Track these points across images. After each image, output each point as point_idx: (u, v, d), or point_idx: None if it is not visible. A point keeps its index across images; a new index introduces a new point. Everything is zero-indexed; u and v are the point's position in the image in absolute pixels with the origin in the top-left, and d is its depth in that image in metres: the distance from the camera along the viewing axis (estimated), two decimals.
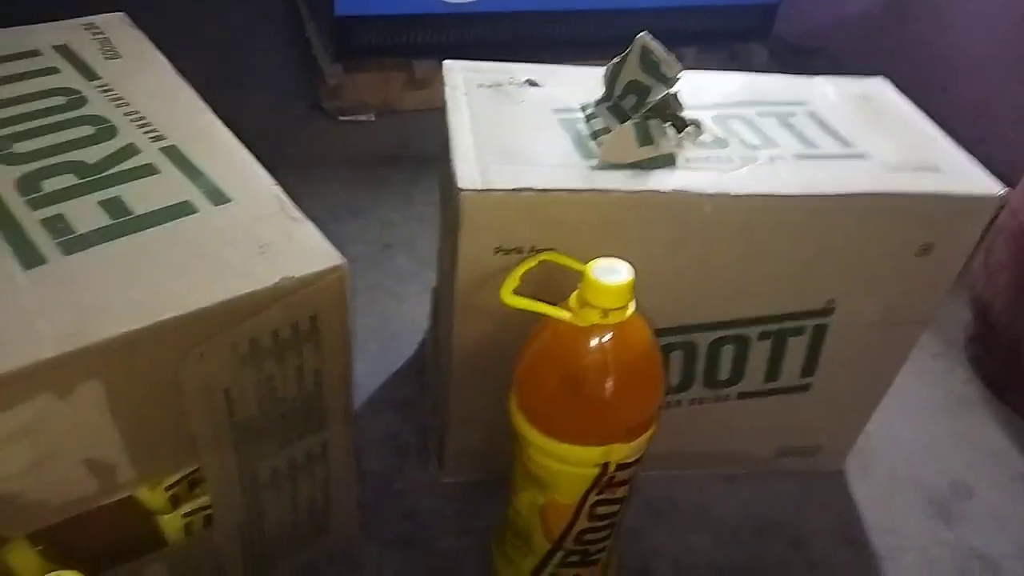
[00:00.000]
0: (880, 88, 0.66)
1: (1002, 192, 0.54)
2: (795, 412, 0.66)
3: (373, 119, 1.12)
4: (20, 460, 0.39)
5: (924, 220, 0.55)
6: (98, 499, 0.43)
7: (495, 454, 0.63)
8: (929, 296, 0.59)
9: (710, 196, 0.50)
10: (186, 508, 0.49)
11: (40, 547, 0.46)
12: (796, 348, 0.61)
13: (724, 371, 0.61)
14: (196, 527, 0.50)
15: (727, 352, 0.60)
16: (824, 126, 0.60)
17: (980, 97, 1.11)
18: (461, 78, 0.59)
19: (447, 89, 0.58)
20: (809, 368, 0.63)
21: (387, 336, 0.80)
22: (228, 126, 0.54)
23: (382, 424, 0.72)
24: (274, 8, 1.33)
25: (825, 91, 0.65)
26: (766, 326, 0.59)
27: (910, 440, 0.77)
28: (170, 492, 0.47)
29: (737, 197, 0.51)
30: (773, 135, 0.57)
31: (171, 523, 0.49)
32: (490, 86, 0.58)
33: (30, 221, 0.44)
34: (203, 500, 0.50)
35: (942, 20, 1.16)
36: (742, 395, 0.63)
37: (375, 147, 1.07)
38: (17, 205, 0.45)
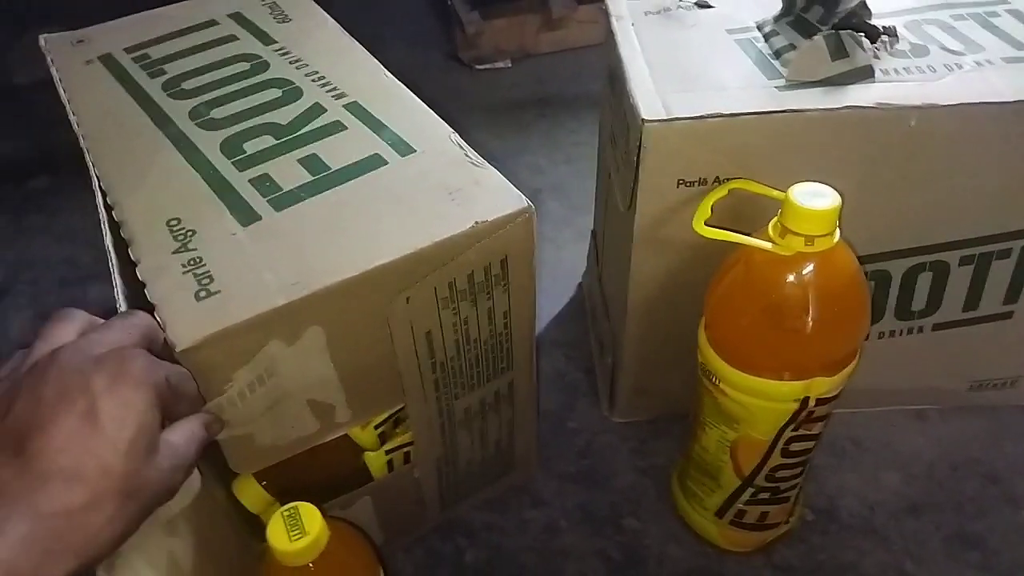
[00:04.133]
0: None
1: None
2: (994, 342, 0.61)
3: (510, 65, 1.11)
4: (258, 404, 0.42)
5: None
6: (319, 437, 0.46)
7: (667, 393, 0.63)
8: None
9: (916, 108, 0.47)
10: (389, 446, 0.52)
11: (264, 482, 0.50)
12: (1000, 273, 0.56)
13: (919, 301, 0.58)
14: (397, 463, 0.53)
15: (924, 280, 0.56)
16: None
17: None
18: (626, 6, 0.57)
19: (613, 20, 0.56)
20: (1014, 294, 0.58)
21: (547, 280, 0.80)
22: None
23: (550, 365, 0.73)
24: None
25: None
26: (969, 249, 0.55)
27: None
28: (379, 430, 0.50)
29: (946, 107, 0.47)
30: (976, 38, 0.52)
31: (376, 460, 0.52)
32: (657, 12, 0.56)
33: (240, 181, 0.46)
34: (404, 438, 0.52)
35: None
36: (937, 326, 0.59)
37: (515, 93, 1.07)
38: (226, 167, 0.48)
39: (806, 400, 0.47)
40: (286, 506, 0.42)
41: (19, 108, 1.09)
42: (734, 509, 0.55)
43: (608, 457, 0.66)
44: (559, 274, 0.82)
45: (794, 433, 0.49)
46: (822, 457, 0.64)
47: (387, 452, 0.53)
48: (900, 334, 0.60)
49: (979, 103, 0.47)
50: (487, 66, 1.11)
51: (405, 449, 0.53)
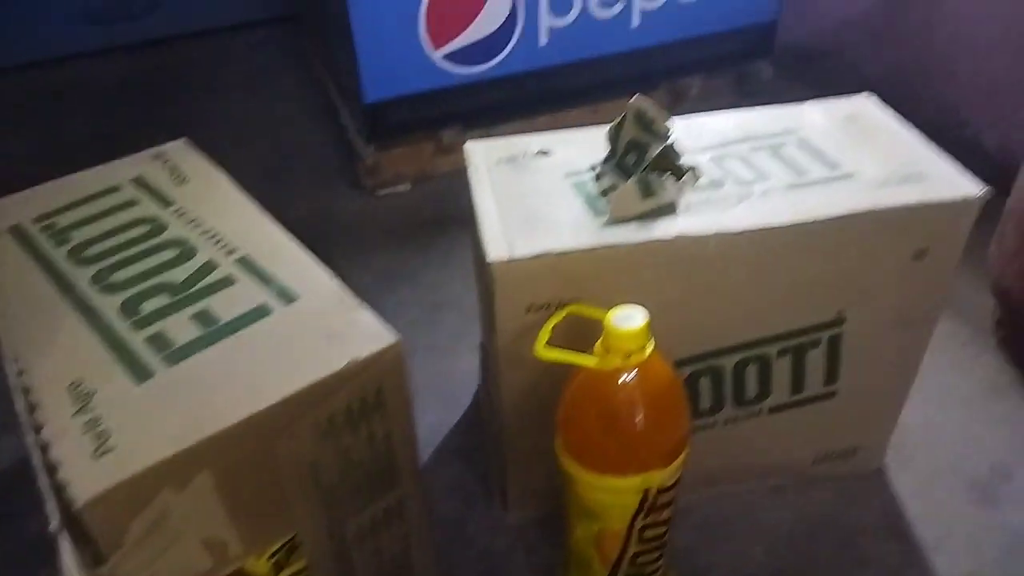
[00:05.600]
0: (865, 106, 0.71)
1: (982, 193, 0.59)
2: (826, 418, 0.70)
3: (409, 188, 1.21)
4: (155, 549, 0.46)
5: (914, 228, 0.60)
6: (214, 573, 0.51)
7: (555, 491, 0.69)
8: (931, 296, 0.63)
9: (711, 236, 0.56)
10: (286, 573, 0.57)
11: None
12: (815, 359, 0.66)
13: (751, 389, 0.66)
14: None
15: (751, 371, 0.65)
16: (813, 152, 0.65)
17: (989, 80, 1.11)
18: (482, 156, 0.66)
19: (470, 168, 0.65)
20: (831, 376, 0.67)
21: (445, 391, 0.87)
22: (280, 212, 0.62)
23: (449, 473, 0.79)
24: (311, 101, 1.44)
25: (813, 117, 0.70)
26: (784, 343, 0.64)
27: (947, 429, 0.80)
28: (273, 560, 0.55)
29: (736, 234, 0.57)
30: (766, 168, 0.63)
31: None
32: (507, 160, 0.65)
33: (136, 341, 0.52)
34: (300, 564, 0.57)
35: (946, 4, 1.15)
36: (772, 409, 0.68)
37: (415, 215, 1.16)
38: (123, 328, 0.53)
39: (647, 491, 0.54)
40: None
41: None
42: None
43: (506, 558, 0.71)
44: (456, 384, 0.88)
45: (645, 521, 0.56)
46: (694, 536, 0.71)
47: None
48: (741, 419, 0.68)
49: (763, 227, 0.57)
50: (388, 190, 1.20)
51: (303, 575, 0.57)
